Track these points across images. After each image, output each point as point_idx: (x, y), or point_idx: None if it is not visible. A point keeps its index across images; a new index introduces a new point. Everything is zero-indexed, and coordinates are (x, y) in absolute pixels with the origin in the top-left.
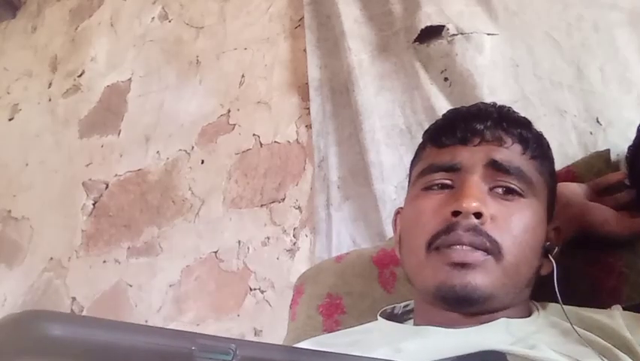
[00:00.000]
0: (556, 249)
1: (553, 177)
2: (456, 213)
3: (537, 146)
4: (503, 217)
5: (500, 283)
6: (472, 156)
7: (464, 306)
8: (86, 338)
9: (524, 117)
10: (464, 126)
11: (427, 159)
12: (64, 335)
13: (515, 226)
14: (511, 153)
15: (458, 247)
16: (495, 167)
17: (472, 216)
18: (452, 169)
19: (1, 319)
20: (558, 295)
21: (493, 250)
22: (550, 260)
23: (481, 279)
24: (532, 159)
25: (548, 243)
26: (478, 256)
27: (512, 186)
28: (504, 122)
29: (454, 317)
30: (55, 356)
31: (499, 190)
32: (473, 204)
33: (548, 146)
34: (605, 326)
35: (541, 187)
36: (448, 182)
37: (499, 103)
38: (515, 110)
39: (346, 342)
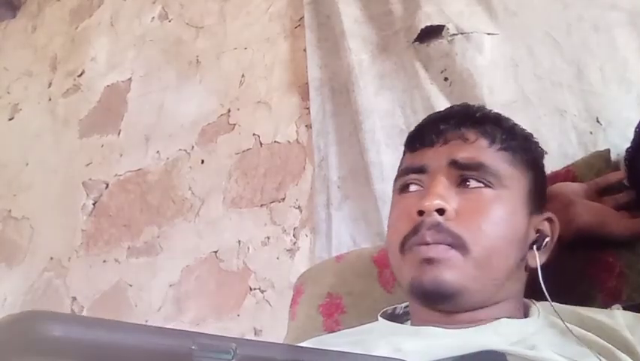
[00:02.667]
0: (546, 240)
1: (535, 167)
2: (421, 213)
3: (507, 138)
4: (469, 211)
5: (471, 277)
6: (436, 157)
7: (437, 301)
8: (86, 338)
9: (496, 113)
10: (430, 129)
11: (403, 164)
12: (64, 335)
13: (482, 218)
14: (474, 149)
15: (420, 246)
16: (457, 166)
17: (435, 214)
18: (420, 171)
19: (1, 319)
20: (544, 288)
21: (457, 244)
22: (543, 253)
23: (449, 273)
24: (501, 150)
25: (538, 234)
26: (443, 250)
27: (476, 180)
28: (470, 119)
29: (450, 317)
30: (55, 357)
31: (465, 186)
32: (434, 202)
33: (527, 137)
34: (605, 326)
35: (515, 178)
36: (419, 184)
37: (494, 102)
38: (515, 110)
39: (347, 342)
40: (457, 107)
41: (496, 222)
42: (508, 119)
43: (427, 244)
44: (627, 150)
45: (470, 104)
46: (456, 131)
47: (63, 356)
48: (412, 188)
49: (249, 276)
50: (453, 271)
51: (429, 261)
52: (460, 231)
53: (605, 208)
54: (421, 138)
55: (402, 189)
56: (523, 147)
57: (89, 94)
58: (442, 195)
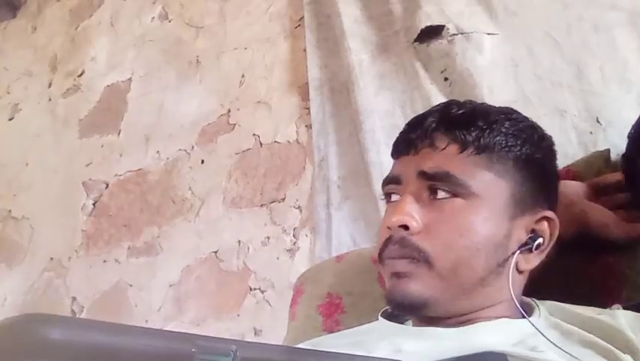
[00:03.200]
0: (538, 241)
1: (524, 165)
2: (390, 228)
3: (483, 140)
4: (435, 224)
5: (439, 288)
6: (408, 168)
7: (410, 312)
8: (85, 342)
9: (475, 111)
10: (404, 137)
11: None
12: (63, 338)
13: (447, 230)
14: (442, 158)
15: (390, 260)
16: (425, 177)
17: (401, 229)
18: (396, 181)
19: (0, 322)
20: (512, 293)
21: (420, 258)
22: (538, 254)
23: (414, 286)
24: (473, 155)
25: (530, 236)
26: (407, 264)
27: (445, 191)
28: (444, 123)
29: (448, 320)
30: (54, 360)
31: (435, 196)
32: (399, 218)
33: (514, 134)
34: (607, 326)
35: (491, 182)
36: (398, 193)
37: (494, 102)
38: (514, 110)
39: (347, 343)
40: (436, 108)
41: (461, 233)
42: (490, 115)
43: (393, 258)
44: (622, 157)
45: (454, 102)
46: (426, 139)
47: (62, 359)
48: (393, 198)
49: (249, 276)
50: (418, 284)
51: (397, 275)
52: (424, 245)
53: (606, 211)
54: (398, 145)
55: (386, 197)
56: (505, 146)
57: (89, 94)
58: (406, 211)
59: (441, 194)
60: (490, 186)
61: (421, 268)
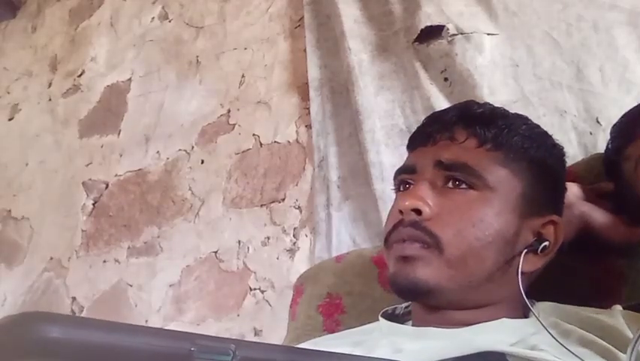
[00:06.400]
0: (544, 244)
1: (537, 167)
2: (401, 212)
3: (501, 137)
4: (447, 212)
5: (446, 276)
6: (425, 158)
7: (413, 298)
8: (84, 340)
9: (496, 111)
10: (424, 129)
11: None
12: (62, 336)
13: (460, 219)
14: (460, 150)
15: (398, 243)
16: (442, 166)
17: (413, 213)
18: (411, 171)
19: (0, 320)
20: (524, 295)
21: (432, 243)
22: (541, 257)
23: (422, 271)
24: (491, 151)
25: (535, 238)
26: (417, 248)
27: (460, 181)
28: (463, 119)
29: (449, 318)
30: (53, 358)
31: (450, 186)
32: (412, 202)
33: (531, 137)
34: (606, 326)
35: (505, 179)
36: (411, 183)
37: (494, 102)
38: (515, 110)
39: (348, 342)
40: (458, 105)
41: (473, 223)
42: (508, 117)
43: (404, 241)
44: (605, 160)
45: (474, 102)
46: (446, 132)
47: (61, 357)
48: (405, 187)
49: (249, 276)
50: (426, 269)
51: (405, 259)
52: (436, 230)
53: (606, 214)
54: (415, 138)
55: (397, 188)
56: (521, 147)
57: (89, 94)
58: (420, 196)
59: (457, 184)
60: (505, 182)
61: (432, 253)
